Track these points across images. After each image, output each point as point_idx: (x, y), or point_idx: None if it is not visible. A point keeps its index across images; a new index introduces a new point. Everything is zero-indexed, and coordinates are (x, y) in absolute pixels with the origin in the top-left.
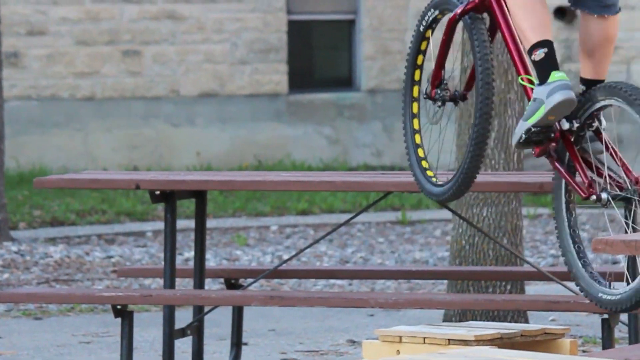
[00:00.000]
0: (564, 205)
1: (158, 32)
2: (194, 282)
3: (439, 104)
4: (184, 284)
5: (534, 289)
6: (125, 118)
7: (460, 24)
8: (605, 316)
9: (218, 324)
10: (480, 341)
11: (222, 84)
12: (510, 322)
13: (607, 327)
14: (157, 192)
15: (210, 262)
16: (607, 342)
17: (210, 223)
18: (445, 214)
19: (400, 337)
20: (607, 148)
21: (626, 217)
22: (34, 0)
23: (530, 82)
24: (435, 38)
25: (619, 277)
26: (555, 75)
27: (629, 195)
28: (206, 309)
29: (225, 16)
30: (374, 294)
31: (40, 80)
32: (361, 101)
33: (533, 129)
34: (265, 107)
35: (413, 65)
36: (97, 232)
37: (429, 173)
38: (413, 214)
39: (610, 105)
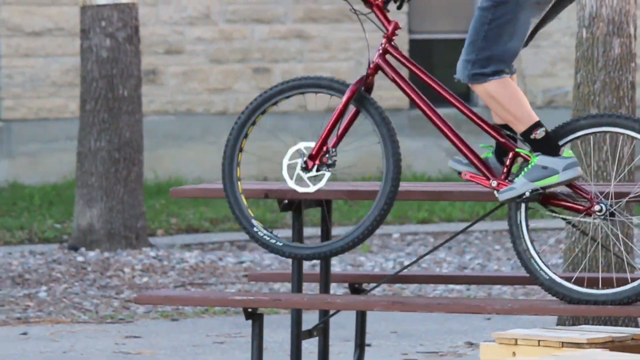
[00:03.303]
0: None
1: (287, 51)
2: (319, 287)
3: (329, 169)
4: (310, 288)
5: None
6: (256, 132)
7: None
8: None
9: (343, 326)
10: (592, 344)
11: None
12: (621, 326)
13: None
14: (285, 201)
15: (336, 267)
16: None
17: (335, 230)
18: (559, 223)
19: (516, 340)
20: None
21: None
22: (171, 21)
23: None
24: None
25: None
26: (569, 152)
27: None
28: (331, 313)
29: (351, 35)
30: (491, 300)
31: (177, 96)
32: None
33: (540, 190)
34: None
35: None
36: (230, 239)
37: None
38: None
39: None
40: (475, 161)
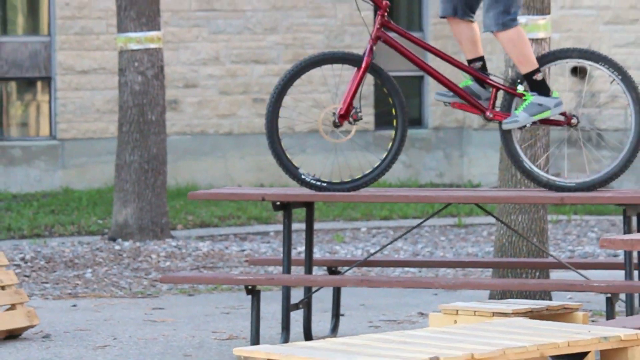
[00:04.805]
0: (523, 155)
1: None
2: (304, 269)
3: (357, 117)
4: (297, 271)
5: (556, 275)
6: (255, 148)
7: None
8: (609, 295)
9: (322, 300)
10: (516, 314)
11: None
12: (538, 299)
13: (610, 303)
14: (278, 203)
15: (317, 254)
16: (610, 314)
17: (317, 225)
18: (490, 219)
19: (457, 311)
20: None
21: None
22: (188, 62)
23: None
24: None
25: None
26: (556, 93)
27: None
28: (313, 289)
29: (328, 73)
30: (438, 279)
31: (193, 120)
32: (428, 136)
33: (536, 121)
34: (358, 140)
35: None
36: (234, 232)
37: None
38: (466, 219)
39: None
40: (466, 95)
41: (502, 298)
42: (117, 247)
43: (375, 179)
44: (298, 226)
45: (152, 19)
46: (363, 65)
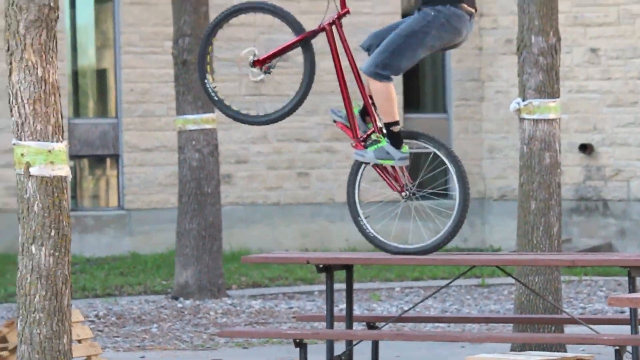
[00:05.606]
0: (357, 195)
1: (320, 161)
2: (346, 324)
3: (268, 70)
4: (339, 326)
5: (569, 329)
6: (300, 217)
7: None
8: (617, 347)
9: (362, 352)
10: None
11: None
12: (554, 351)
13: (618, 354)
14: (321, 266)
15: (356, 311)
16: None
17: (356, 285)
18: (510, 280)
19: None
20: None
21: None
22: (239, 141)
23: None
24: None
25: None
26: (405, 148)
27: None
28: (354, 343)
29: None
30: (465, 333)
31: (244, 192)
32: (452, 206)
33: (379, 165)
34: (388, 210)
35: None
36: (283, 291)
37: (235, 108)
38: (489, 280)
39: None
40: (351, 119)
41: (522, 350)
42: (180, 305)
43: (279, 119)
44: (339, 286)
45: (207, 103)
46: (300, 35)
